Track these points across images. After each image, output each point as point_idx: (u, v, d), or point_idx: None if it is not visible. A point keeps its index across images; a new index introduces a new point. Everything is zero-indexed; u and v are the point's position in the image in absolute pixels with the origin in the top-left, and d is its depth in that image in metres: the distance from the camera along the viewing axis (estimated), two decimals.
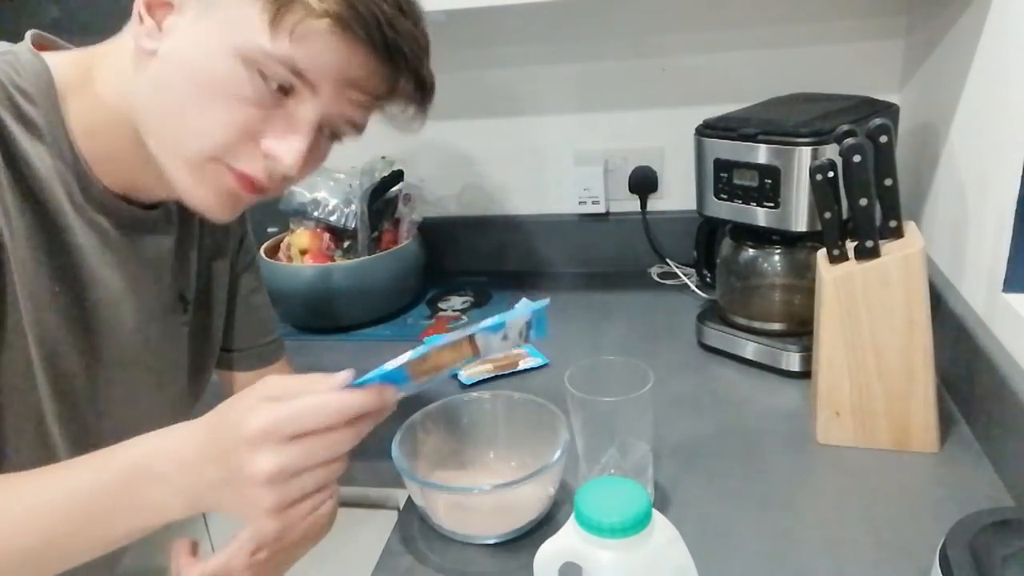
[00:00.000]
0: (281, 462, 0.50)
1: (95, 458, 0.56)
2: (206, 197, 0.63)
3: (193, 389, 0.81)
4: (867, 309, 0.78)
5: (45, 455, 0.62)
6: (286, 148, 0.60)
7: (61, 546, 0.54)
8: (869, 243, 0.78)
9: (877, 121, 0.76)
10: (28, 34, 0.64)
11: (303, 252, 1.24)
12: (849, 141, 0.77)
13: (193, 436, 0.55)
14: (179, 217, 0.74)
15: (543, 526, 0.74)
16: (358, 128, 0.67)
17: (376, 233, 1.26)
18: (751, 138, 0.94)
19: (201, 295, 0.79)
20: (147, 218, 0.69)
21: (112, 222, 0.66)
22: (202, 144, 0.59)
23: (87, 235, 0.63)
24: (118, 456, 0.55)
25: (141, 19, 0.59)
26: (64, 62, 0.62)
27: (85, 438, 0.66)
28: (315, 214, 1.25)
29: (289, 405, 0.51)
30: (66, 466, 0.56)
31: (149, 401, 0.73)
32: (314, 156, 0.64)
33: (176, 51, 0.59)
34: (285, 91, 0.59)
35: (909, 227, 0.81)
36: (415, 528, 0.77)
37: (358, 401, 0.52)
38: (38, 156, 0.59)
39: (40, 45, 0.64)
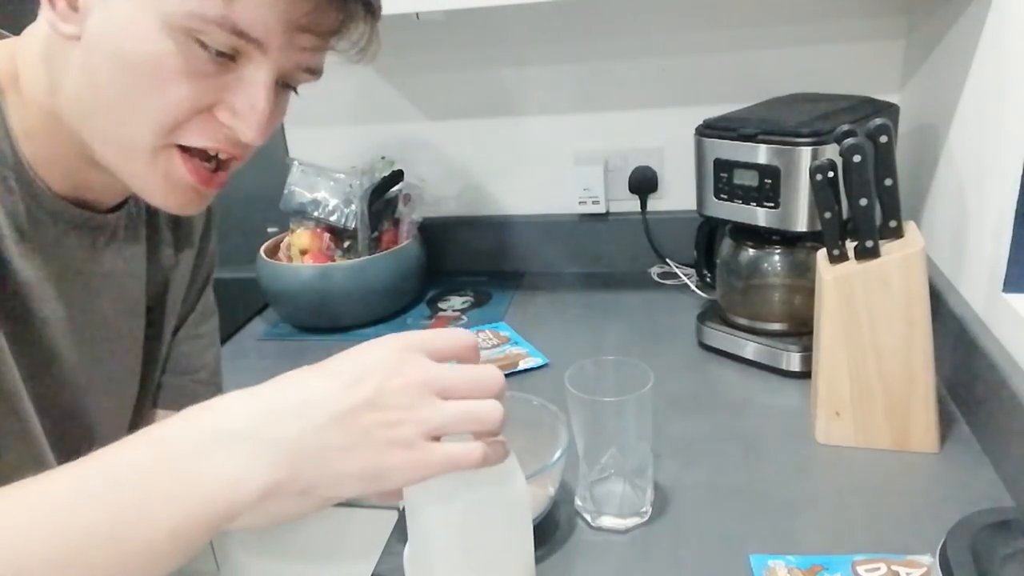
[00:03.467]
0: (435, 372, 0.45)
1: (138, 435, 0.45)
2: (164, 192, 0.57)
3: (140, 401, 0.74)
4: (867, 309, 0.78)
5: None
6: (245, 118, 0.55)
7: (85, 557, 0.41)
8: (869, 243, 0.78)
9: (877, 121, 0.76)
10: None
11: (303, 252, 1.24)
12: (849, 141, 0.77)
13: (303, 382, 0.46)
14: (128, 225, 0.67)
15: (543, 526, 0.74)
16: (316, 73, 0.61)
17: (376, 233, 1.26)
18: (751, 138, 0.94)
19: (155, 302, 0.73)
20: (106, 223, 0.63)
21: (64, 232, 0.60)
22: (149, 131, 0.54)
23: (33, 256, 0.57)
24: (171, 425, 0.45)
25: (52, 2, 0.52)
26: None
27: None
28: (315, 214, 1.25)
29: (435, 333, 0.48)
30: (91, 458, 0.44)
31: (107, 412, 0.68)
32: (275, 115, 0.58)
33: (100, 34, 0.52)
34: (231, 56, 0.53)
35: (909, 227, 0.81)
36: None
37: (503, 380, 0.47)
38: None
39: None
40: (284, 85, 0.59)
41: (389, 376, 0.45)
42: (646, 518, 0.74)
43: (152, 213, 0.71)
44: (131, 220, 0.67)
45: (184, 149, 0.56)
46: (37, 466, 0.60)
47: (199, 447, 0.43)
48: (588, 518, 0.75)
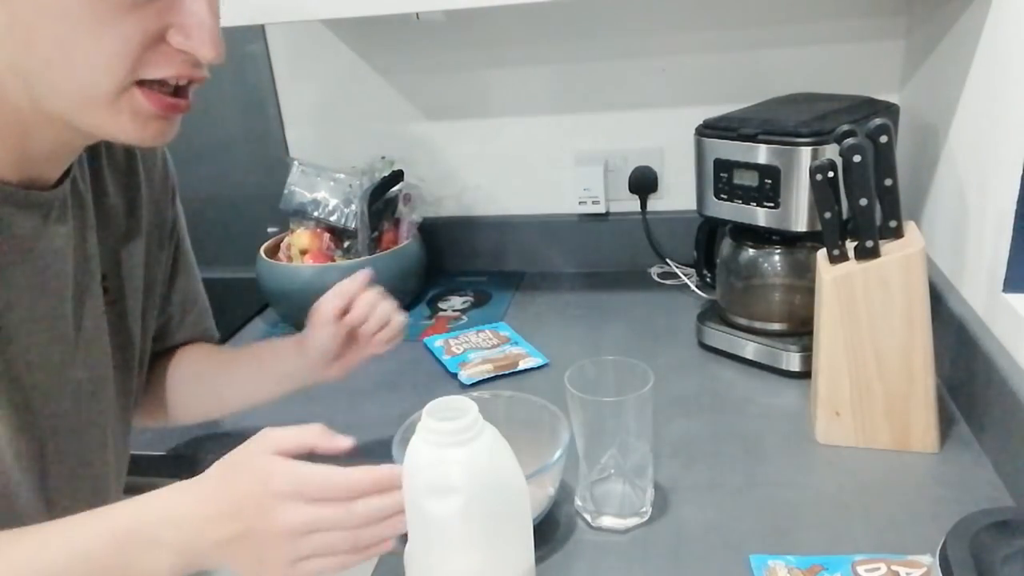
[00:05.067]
0: (300, 518, 0.53)
1: (77, 523, 0.55)
2: (134, 129, 0.56)
3: (123, 388, 0.75)
4: (867, 309, 0.78)
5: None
6: (197, 36, 0.54)
7: None
8: (869, 243, 0.78)
9: (877, 121, 0.76)
10: None
11: (303, 252, 1.24)
12: (849, 141, 0.77)
13: (195, 496, 0.55)
14: (73, 198, 0.66)
15: (543, 526, 0.74)
16: None
17: (376, 233, 1.26)
18: (751, 138, 0.94)
19: (110, 267, 0.72)
20: (54, 198, 0.62)
21: (11, 213, 0.59)
22: (106, 77, 0.52)
23: None
24: (104, 520, 0.55)
25: None
26: None
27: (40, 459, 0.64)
28: (315, 214, 1.25)
29: (312, 472, 0.54)
30: (45, 530, 0.55)
31: (89, 410, 0.69)
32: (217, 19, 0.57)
33: None
34: None
35: (909, 227, 0.81)
36: None
37: (370, 480, 0.55)
38: None
39: None
40: None
41: (259, 519, 0.54)
42: (646, 518, 0.74)
43: (98, 179, 0.70)
44: (76, 191, 0.66)
45: (141, 84, 0.55)
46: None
47: (135, 544, 0.54)
48: (588, 518, 0.75)
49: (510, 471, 0.57)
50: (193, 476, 0.57)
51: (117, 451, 0.74)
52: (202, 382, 0.86)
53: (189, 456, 0.94)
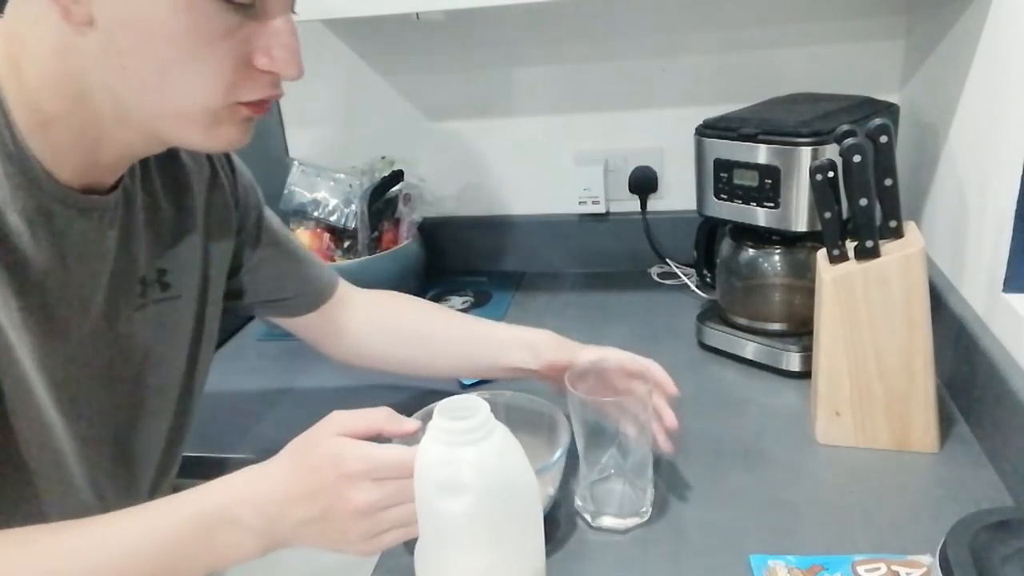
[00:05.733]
0: (372, 497, 0.56)
1: (158, 508, 0.57)
2: (227, 136, 0.59)
3: (187, 385, 0.77)
4: (867, 309, 0.78)
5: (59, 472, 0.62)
6: (282, 58, 0.56)
7: None
8: (869, 243, 0.78)
9: (877, 121, 0.76)
10: None
11: None
12: (849, 141, 0.77)
13: (272, 478, 0.58)
14: (124, 201, 0.67)
15: (543, 526, 0.74)
16: None
17: (376, 233, 1.26)
18: (751, 138, 0.94)
19: (174, 275, 0.74)
20: (109, 203, 0.64)
21: (72, 219, 0.61)
22: (210, 96, 0.55)
23: (47, 248, 0.59)
24: (185, 504, 0.57)
25: None
26: None
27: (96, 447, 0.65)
28: (315, 214, 1.25)
29: (379, 451, 0.57)
30: (124, 516, 0.57)
31: (135, 403, 0.70)
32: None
33: (118, 14, 0.52)
34: (253, 5, 0.54)
35: (909, 227, 0.81)
36: None
37: None
38: None
39: None
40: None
41: (335, 499, 0.57)
42: (646, 518, 0.74)
43: (148, 180, 0.70)
44: (127, 193, 0.67)
45: (244, 104, 0.58)
46: (57, 470, 0.61)
47: (209, 528, 0.57)
48: (588, 518, 0.75)
49: (520, 470, 0.57)
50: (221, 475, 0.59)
51: (169, 440, 0.75)
52: (408, 336, 0.92)
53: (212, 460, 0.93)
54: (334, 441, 0.58)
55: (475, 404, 0.56)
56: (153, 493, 0.74)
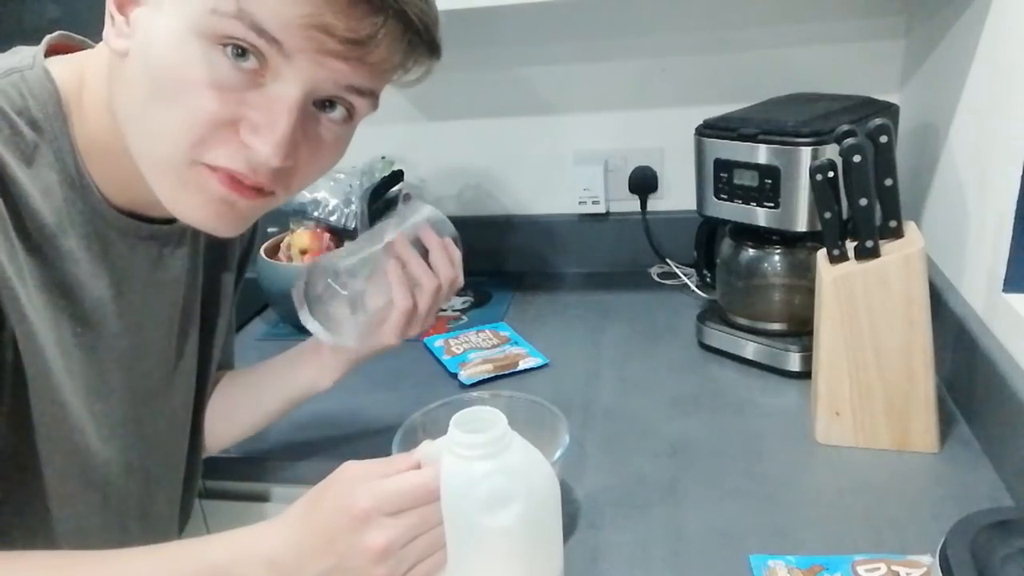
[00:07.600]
0: (390, 535, 0.51)
1: (168, 554, 0.54)
2: (196, 207, 0.54)
3: (197, 412, 0.77)
4: (867, 309, 0.78)
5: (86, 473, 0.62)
6: (263, 134, 0.51)
7: None
8: (869, 243, 0.78)
9: (877, 121, 0.76)
10: (47, 39, 0.58)
11: (303, 252, 1.24)
12: (849, 141, 0.77)
13: (284, 535, 0.54)
14: (191, 228, 0.66)
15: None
16: (364, 94, 0.56)
17: None
18: (751, 138, 0.94)
19: (204, 311, 0.74)
20: (172, 232, 0.64)
21: (132, 246, 0.61)
22: (173, 145, 0.51)
23: (104, 275, 0.59)
24: (195, 555, 0.54)
25: (112, 18, 0.52)
26: (65, 75, 0.56)
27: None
28: (315, 214, 1.25)
29: (390, 483, 0.52)
30: (134, 557, 0.54)
31: (177, 432, 0.73)
32: (318, 144, 0.56)
33: (140, 46, 0.51)
34: (258, 71, 0.50)
35: (909, 227, 0.81)
36: None
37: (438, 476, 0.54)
38: (45, 191, 0.54)
39: (64, 46, 0.59)
40: (326, 106, 0.55)
41: (350, 546, 0.52)
42: (346, 343, 0.71)
43: None
44: (184, 229, 0.67)
45: (212, 168, 0.53)
46: (95, 493, 0.63)
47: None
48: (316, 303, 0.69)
49: (548, 469, 0.56)
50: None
51: (190, 472, 0.77)
52: (236, 409, 0.83)
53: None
54: (341, 484, 0.54)
55: (489, 412, 0.54)
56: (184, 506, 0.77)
